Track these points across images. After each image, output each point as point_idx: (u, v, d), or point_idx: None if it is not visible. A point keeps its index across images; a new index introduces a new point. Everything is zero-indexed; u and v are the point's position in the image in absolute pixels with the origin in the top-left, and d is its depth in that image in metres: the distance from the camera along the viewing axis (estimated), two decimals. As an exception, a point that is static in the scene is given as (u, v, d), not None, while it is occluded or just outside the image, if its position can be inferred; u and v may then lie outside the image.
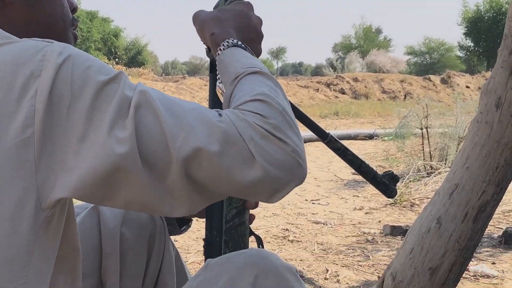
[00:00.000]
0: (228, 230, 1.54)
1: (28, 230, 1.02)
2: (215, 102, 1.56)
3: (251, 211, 1.56)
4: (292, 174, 1.09)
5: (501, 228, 4.88)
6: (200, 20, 1.43)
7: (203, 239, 1.58)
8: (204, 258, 1.56)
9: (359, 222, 5.36)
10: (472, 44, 50.28)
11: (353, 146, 11.23)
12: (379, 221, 5.35)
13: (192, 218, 1.70)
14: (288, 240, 4.69)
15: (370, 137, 12.36)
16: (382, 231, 4.93)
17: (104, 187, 1.02)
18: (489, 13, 47.46)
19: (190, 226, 1.72)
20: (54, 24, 1.28)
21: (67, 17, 1.31)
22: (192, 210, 1.09)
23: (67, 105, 1.00)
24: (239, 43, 1.33)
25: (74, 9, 1.37)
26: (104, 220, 1.54)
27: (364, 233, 4.94)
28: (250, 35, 1.39)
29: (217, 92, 1.49)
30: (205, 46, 1.54)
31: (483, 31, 47.47)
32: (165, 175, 1.03)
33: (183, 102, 1.10)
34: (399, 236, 4.69)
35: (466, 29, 49.63)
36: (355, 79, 27.79)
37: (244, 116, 1.08)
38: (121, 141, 0.99)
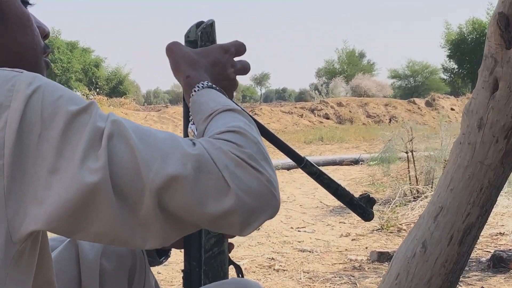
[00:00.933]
0: (207, 260, 1.53)
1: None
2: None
3: (230, 240, 1.56)
4: (266, 204, 1.09)
5: (490, 252, 4.88)
6: (176, 58, 1.44)
7: (182, 270, 1.56)
8: None
9: (346, 249, 5.35)
10: (456, 66, 50.76)
11: (339, 172, 11.26)
12: (366, 248, 5.34)
13: (171, 249, 1.67)
14: (274, 269, 4.67)
15: (356, 162, 12.37)
16: (369, 258, 4.92)
17: (75, 219, 1.00)
18: (472, 34, 47.95)
19: (169, 256, 1.70)
20: (24, 52, 1.27)
21: (38, 45, 1.30)
22: (164, 243, 1.08)
23: (37, 135, 0.99)
24: (214, 86, 1.35)
25: (46, 36, 1.36)
26: (82, 252, 1.53)
27: (351, 260, 4.92)
28: (223, 82, 1.41)
29: (189, 134, 1.51)
30: None
31: (466, 53, 47.91)
32: (138, 207, 1.02)
33: (156, 131, 1.10)
34: (386, 262, 4.68)
35: (449, 51, 50.11)
36: (339, 104, 27.92)
37: (219, 144, 1.08)
38: (93, 172, 0.98)
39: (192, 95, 1.34)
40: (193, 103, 1.33)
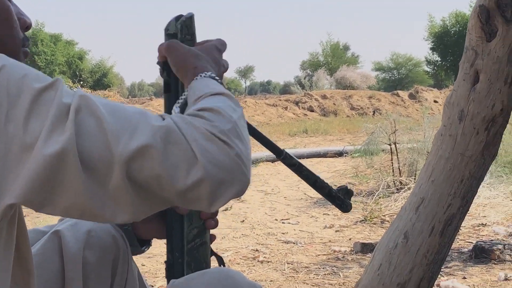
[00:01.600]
0: (190, 251, 1.53)
1: None
2: None
3: (212, 231, 1.57)
4: (233, 177, 1.10)
5: (471, 242, 4.91)
6: (180, 53, 1.45)
7: (165, 262, 1.57)
8: (166, 281, 1.55)
9: (330, 241, 5.36)
10: (439, 59, 50.72)
11: (323, 164, 11.26)
12: (350, 239, 5.36)
13: (150, 241, 1.69)
14: (258, 261, 4.68)
15: (340, 154, 12.37)
16: (352, 249, 4.94)
17: (44, 191, 1.02)
18: (455, 27, 47.93)
19: (151, 245, 1.70)
20: (3, 45, 1.26)
21: (17, 38, 1.30)
22: (135, 217, 1.09)
23: (5, 113, 1.01)
24: (216, 77, 1.37)
25: (27, 27, 1.36)
26: (66, 244, 1.52)
27: (335, 251, 4.93)
28: (221, 70, 1.46)
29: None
30: (158, 67, 1.57)
31: (449, 46, 47.87)
32: (107, 179, 1.03)
33: (125, 106, 1.11)
34: (369, 253, 4.67)
35: (432, 43, 50.06)
36: (324, 97, 27.90)
37: (190, 119, 1.11)
38: (58, 143, 0.99)
39: (193, 81, 1.37)
40: (190, 89, 1.35)
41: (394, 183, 7.58)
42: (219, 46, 1.51)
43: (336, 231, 5.78)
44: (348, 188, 1.73)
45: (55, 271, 1.51)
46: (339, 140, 16.58)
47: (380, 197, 7.03)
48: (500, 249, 4.55)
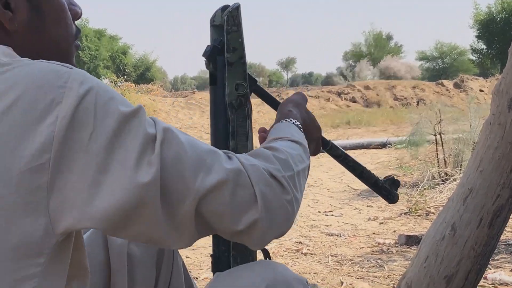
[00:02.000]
0: (236, 244, 1.54)
1: (38, 254, 1.01)
2: (216, 114, 1.61)
3: None
4: (281, 223, 1.18)
5: (520, 234, 4.86)
6: (294, 99, 1.60)
7: (210, 255, 1.58)
8: (212, 274, 1.56)
9: (374, 233, 5.34)
10: (485, 47, 50.24)
11: (366, 155, 11.25)
12: (394, 231, 5.34)
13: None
14: (302, 253, 4.68)
15: (383, 145, 12.37)
16: (397, 241, 4.91)
17: (123, 220, 1.03)
18: (501, 14, 47.43)
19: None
20: (58, 43, 1.28)
21: (70, 35, 1.31)
22: (189, 245, 1.13)
23: (89, 134, 1.00)
24: (300, 126, 1.48)
25: (78, 17, 1.37)
26: (110, 237, 1.55)
27: (379, 243, 4.92)
28: (314, 134, 1.60)
29: None
30: (204, 60, 1.59)
31: (495, 33, 47.38)
32: (178, 211, 1.06)
33: (199, 142, 1.15)
34: (414, 246, 4.67)
35: (478, 31, 49.60)
36: (367, 87, 27.87)
37: (255, 162, 1.18)
38: (146, 176, 1.01)
39: (281, 122, 1.48)
40: (276, 127, 1.46)
41: (439, 175, 7.54)
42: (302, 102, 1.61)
43: (380, 223, 5.75)
44: (395, 178, 1.73)
45: (101, 262, 1.53)
46: (383, 131, 16.56)
47: (425, 189, 6.99)
48: (549, 242, 4.52)
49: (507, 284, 3.75)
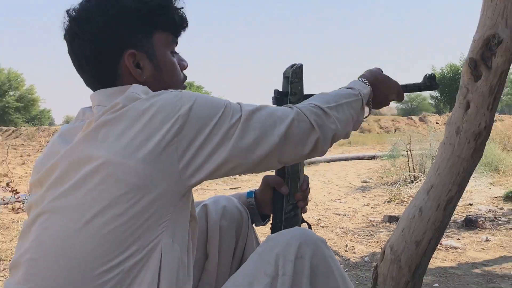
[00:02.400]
0: (286, 219, 1.54)
1: (173, 200, 1.05)
2: None
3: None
4: (331, 136, 1.21)
5: (463, 216, 4.79)
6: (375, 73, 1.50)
7: (270, 226, 1.58)
8: None
9: (367, 214, 5.30)
10: (439, 95, 49.69)
11: (361, 164, 11.14)
12: (381, 213, 5.29)
13: (270, 215, 1.66)
14: (320, 226, 4.67)
15: (373, 157, 12.23)
16: (383, 219, 4.88)
17: (224, 168, 1.07)
18: (450, 74, 47.13)
19: (269, 220, 1.67)
20: (170, 87, 1.23)
21: (179, 81, 1.30)
22: (280, 163, 1.17)
23: (201, 126, 1.05)
24: (366, 82, 1.43)
25: (185, 68, 1.34)
26: (209, 214, 1.52)
27: (371, 221, 4.88)
28: (387, 84, 1.51)
29: None
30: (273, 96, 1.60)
31: (446, 86, 47.10)
32: (261, 151, 1.11)
33: (274, 108, 1.17)
34: (394, 223, 4.65)
35: (434, 85, 49.31)
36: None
37: (307, 103, 1.22)
38: (244, 142, 1.07)
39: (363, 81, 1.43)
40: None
41: (410, 177, 7.45)
42: (397, 94, 1.53)
43: (371, 207, 5.71)
44: (431, 74, 1.69)
45: (203, 231, 1.51)
46: (372, 148, 16.35)
47: (400, 186, 6.92)
48: (482, 221, 4.48)
49: (454, 248, 3.72)
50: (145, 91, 1.09)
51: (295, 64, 1.54)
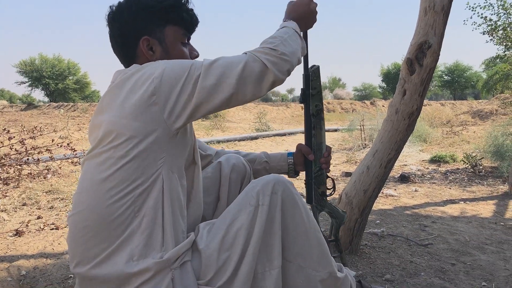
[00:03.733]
0: (315, 177, 1.55)
1: (166, 141, 1.07)
2: (306, 118, 1.55)
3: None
4: (286, 69, 1.13)
5: (399, 173, 4.83)
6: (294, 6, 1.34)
7: (304, 182, 1.60)
8: (306, 190, 1.60)
9: (331, 171, 5.33)
10: (385, 85, 49.38)
11: (327, 135, 11.15)
12: (340, 170, 5.32)
13: (299, 172, 1.65)
14: (296, 179, 4.64)
15: (335, 130, 12.26)
16: (341, 175, 4.91)
17: (200, 110, 1.07)
18: (394, 69, 46.67)
19: (298, 174, 1.66)
20: None
21: None
22: (249, 97, 1.10)
23: (174, 83, 1.04)
24: (291, 25, 1.26)
25: (196, 57, 1.29)
26: (222, 169, 1.51)
27: (333, 175, 4.90)
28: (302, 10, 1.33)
29: None
30: (300, 93, 1.57)
31: (391, 79, 46.69)
32: (224, 86, 1.06)
33: (230, 57, 1.10)
34: (349, 177, 4.67)
35: (382, 77, 48.74)
36: (328, 103, 27.49)
37: (259, 47, 1.12)
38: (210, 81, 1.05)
39: (285, 20, 1.29)
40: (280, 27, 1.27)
41: (362, 144, 7.48)
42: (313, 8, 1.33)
43: (333, 166, 5.73)
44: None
45: (216, 182, 1.50)
46: (335, 124, 16.35)
47: (355, 151, 6.96)
48: (413, 177, 4.51)
49: (391, 195, 3.76)
50: (145, 65, 1.12)
51: (314, 65, 1.52)
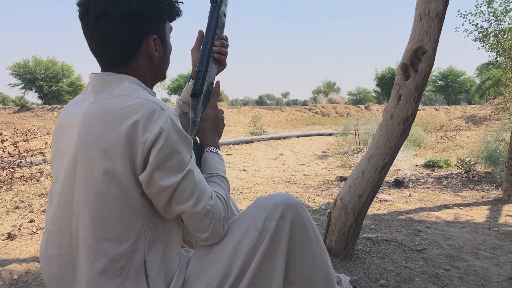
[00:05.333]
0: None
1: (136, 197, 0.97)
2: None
3: None
4: (216, 239, 1.08)
5: (393, 177, 4.84)
6: (210, 120, 1.27)
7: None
8: None
9: (325, 175, 5.34)
10: (380, 90, 49.56)
11: (321, 139, 11.18)
12: (334, 174, 5.33)
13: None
14: (291, 183, 4.69)
15: (330, 134, 12.26)
16: (335, 179, 4.91)
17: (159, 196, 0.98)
18: (388, 74, 46.87)
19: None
20: (156, 77, 1.13)
21: (166, 70, 1.16)
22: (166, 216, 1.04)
23: (158, 155, 0.94)
24: (218, 151, 1.24)
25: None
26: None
27: (327, 180, 4.91)
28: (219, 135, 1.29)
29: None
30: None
31: (385, 83, 46.92)
32: (175, 209, 1.00)
33: (203, 180, 1.04)
34: (343, 181, 4.68)
35: (377, 82, 48.96)
36: (322, 107, 27.56)
37: (219, 205, 1.06)
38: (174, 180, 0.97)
39: (206, 150, 1.22)
40: (204, 158, 1.21)
41: (356, 149, 7.50)
42: (222, 117, 1.29)
43: (328, 170, 5.74)
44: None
45: None
46: (330, 128, 16.37)
47: (349, 155, 6.97)
48: (407, 181, 4.52)
49: (386, 200, 3.76)
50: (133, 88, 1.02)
51: None
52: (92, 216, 0.94)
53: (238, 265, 1.05)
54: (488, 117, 12.48)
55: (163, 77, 1.14)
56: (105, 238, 0.94)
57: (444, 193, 4.12)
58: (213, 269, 1.05)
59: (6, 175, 4.25)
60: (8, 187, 4.00)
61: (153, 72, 1.09)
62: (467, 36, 4.69)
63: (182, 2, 1.12)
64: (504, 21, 4.45)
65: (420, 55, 1.98)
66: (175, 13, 1.10)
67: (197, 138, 1.25)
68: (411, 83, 2.02)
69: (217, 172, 1.17)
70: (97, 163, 0.94)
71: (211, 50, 1.28)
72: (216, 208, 1.04)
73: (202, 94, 1.26)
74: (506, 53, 4.49)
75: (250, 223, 1.10)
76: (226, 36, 1.33)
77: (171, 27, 1.13)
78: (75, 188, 0.97)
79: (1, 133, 4.70)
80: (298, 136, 11.65)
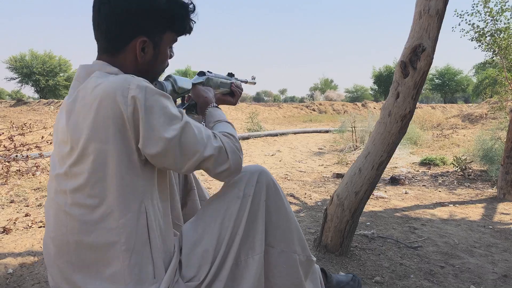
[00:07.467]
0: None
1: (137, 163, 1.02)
2: None
3: None
4: (238, 166, 1.17)
5: (390, 175, 4.85)
6: (198, 90, 1.44)
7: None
8: None
9: (321, 171, 5.34)
10: (377, 87, 49.60)
11: (318, 136, 11.19)
12: (331, 171, 5.33)
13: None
14: (287, 179, 4.69)
15: (327, 131, 12.27)
16: (332, 176, 4.91)
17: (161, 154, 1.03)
18: (385, 72, 46.88)
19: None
20: (155, 74, 1.20)
21: (164, 66, 1.21)
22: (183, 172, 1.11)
23: (144, 112, 0.98)
24: (218, 106, 1.40)
25: (171, 58, 1.23)
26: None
27: (323, 176, 4.91)
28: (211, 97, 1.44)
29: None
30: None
31: (382, 81, 46.94)
32: (187, 162, 1.07)
33: (202, 128, 1.11)
34: (340, 178, 4.68)
35: (374, 79, 48.98)
36: (320, 104, 27.56)
37: (226, 139, 1.15)
38: (175, 132, 1.03)
39: (208, 108, 1.38)
40: (209, 113, 1.36)
41: (353, 146, 7.50)
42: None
43: (324, 167, 5.74)
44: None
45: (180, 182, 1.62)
46: (327, 125, 16.38)
47: (346, 152, 6.97)
48: (403, 179, 4.52)
49: (382, 197, 3.77)
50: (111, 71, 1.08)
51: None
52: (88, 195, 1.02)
53: (229, 231, 1.15)
54: (484, 115, 12.52)
55: (151, 80, 1.19)
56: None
57: (439, 191, 4.14)
58: (205, 238, 1.15)
59: (2, 169, 4.22)
60: (4, 181, 3.98)
61: (138, 70, 1.13)
62: (464, 36, 4.69)
63: (194, 22, 1.21)
64: (500, 21, 4.46)
65: (419, 53, 1.97)
66: (182, 29, 1.18)
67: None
68: (409, 80, 2.01)
69: (223, 119, 1.31)
70: (89, 148, 0.99)
71: (231, 81, 1.57)
72: (224, 143, 1.13)
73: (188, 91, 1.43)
74: (502, 53, 4.50)
75: (232, 193, 1.21)
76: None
77: (175, 39, 1.19)
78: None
79: (-3, 127, 4.66)
80: (295, 133, 11.64)
